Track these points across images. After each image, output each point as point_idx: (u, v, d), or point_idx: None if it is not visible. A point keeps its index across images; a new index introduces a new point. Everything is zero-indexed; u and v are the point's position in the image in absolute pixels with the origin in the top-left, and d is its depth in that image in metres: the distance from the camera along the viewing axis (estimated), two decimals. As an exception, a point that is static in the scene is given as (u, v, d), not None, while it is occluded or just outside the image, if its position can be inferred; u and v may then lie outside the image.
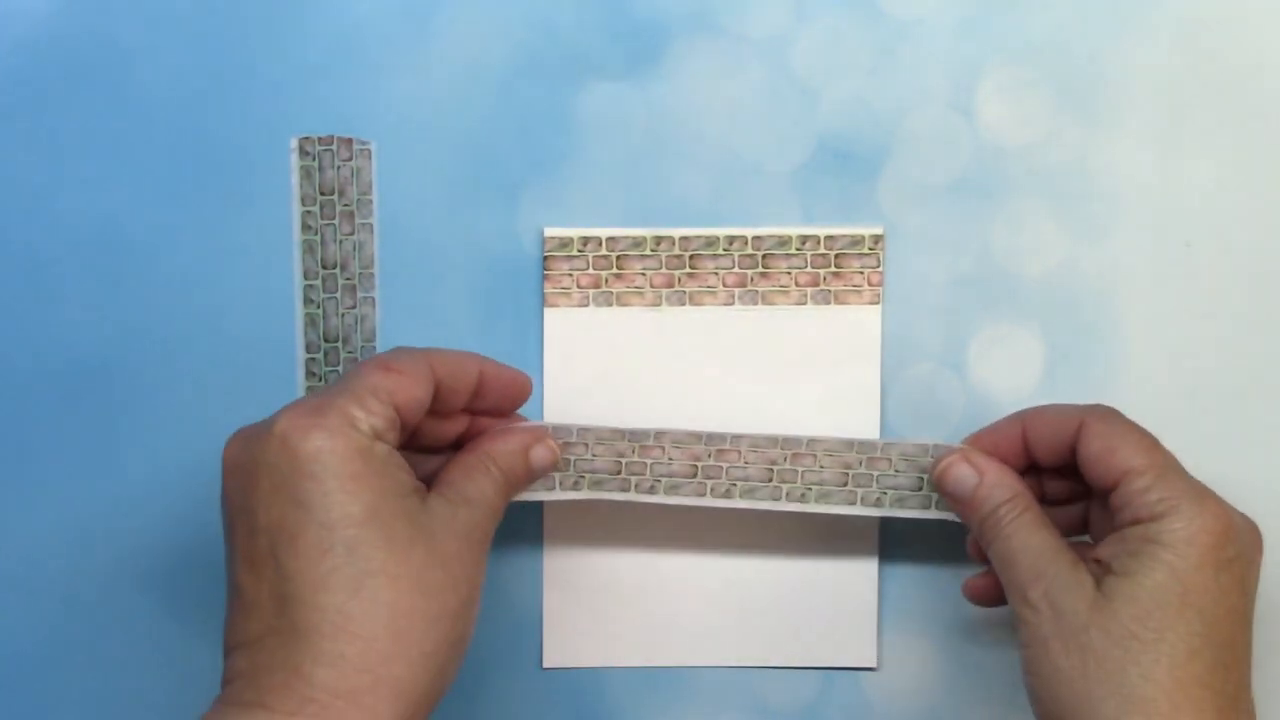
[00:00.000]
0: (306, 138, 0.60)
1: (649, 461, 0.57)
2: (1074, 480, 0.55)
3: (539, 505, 0.60)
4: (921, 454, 0.57)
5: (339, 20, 0.59)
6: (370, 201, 0.60)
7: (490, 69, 0.60)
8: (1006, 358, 0.60)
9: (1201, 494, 0.51)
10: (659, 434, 0.57)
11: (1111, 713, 0.49)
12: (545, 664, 0.61)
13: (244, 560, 0.48)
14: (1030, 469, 0.56)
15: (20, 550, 0.60)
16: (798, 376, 0.60)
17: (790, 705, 0.61)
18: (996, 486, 0.54)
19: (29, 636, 0.61)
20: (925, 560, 0.61)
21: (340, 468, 0.47)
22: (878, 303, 0.60)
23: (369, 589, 0.47)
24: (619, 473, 0.57)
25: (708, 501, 0.57)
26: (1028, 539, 0.53)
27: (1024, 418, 0.56)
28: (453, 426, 0.55)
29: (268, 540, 0.47)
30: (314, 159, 0.60)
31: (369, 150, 0.60)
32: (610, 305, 0.60)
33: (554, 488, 0.57)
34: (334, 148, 0.60)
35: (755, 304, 0.60)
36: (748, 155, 0.60)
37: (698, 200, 0.60)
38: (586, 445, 0.57)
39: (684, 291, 0.60)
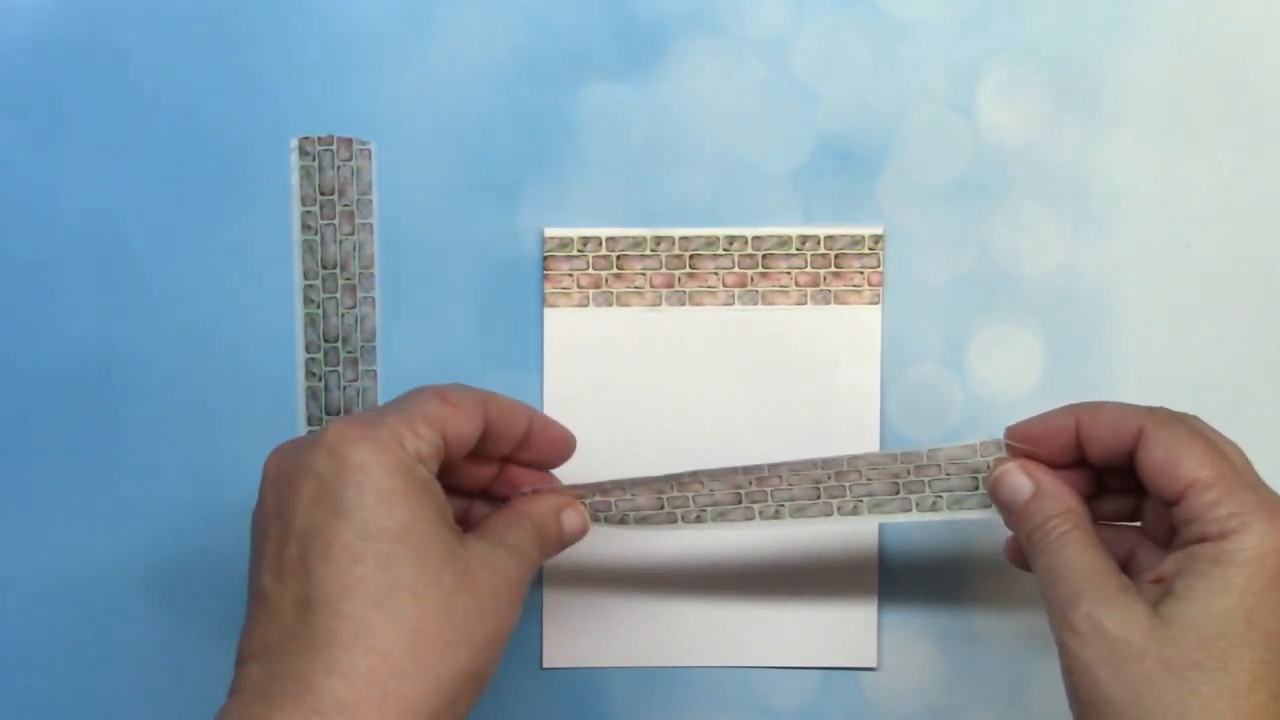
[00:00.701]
0: (306, 138, 0.60)
1: (690, 495, 0.55)
2: (1127, 477, 0.52)
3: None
4: (970, 455, 0.54)
5: (339, 20, 0.59)
6: (370, 201, 0.60)
7: (490, 69, 0.60)
8: (1006, 358, 0.60)
9: (1273, 509, 0.48)
10: (694, 475, 0.55)
11: None
12: (545, 664, 0.61)
13: (272, 566, 0.48)
14: (1081, 470, 0.54)
15: (20, 553, 0.60)
16: (797, 376, 0.60)
17: (790, 705, 0.61)
18: (1050, 499, 0.52)
19: (29, 638, 0.61)
20: (926, 560, 0.61)
21: (383, 481, 0.47)
22: (878, 303, 0.60)
23: (392, 602, 0.46)
24: (662, 508, 0.55)
25: (757, 526, 0.55)
26: (1076, 554, 0.50)
27: (1078, 413, 0.53)
28: (485, 471, 0.54)
29: (300, 546, 0.47)
30: (314, 159, 0.60)
31: (369, 150, 0.60)
32: (610, 305, 0.60)
33: (600, 522, 0.55)
34: (334, 148, 0.60)
35: (755, 304, 0.60)
36: (748, 155, 0.60)
37: (698, 200, 0.60)
38: (624, 489, 0.55)
39: (684, 292, 0.60)
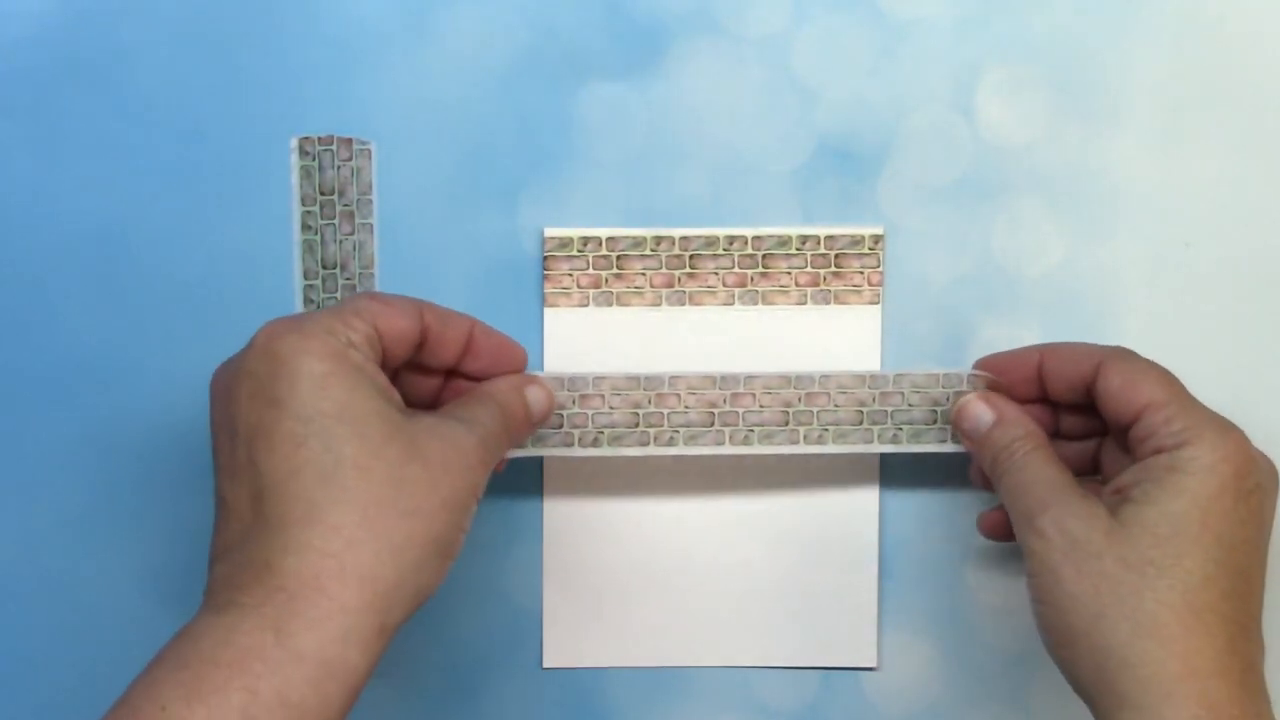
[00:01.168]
0: (306, 138, 0.60)
1: (666, 411, 0.57)
2: (1085, 418, 0.56)
3: (539, 504, 0.60)
4: (932, 384, 0.57)
5: (339, 20, 0.59)
6: (370, 201, 0.60)
7: (490, 69, 0.60)
8: (1006, 358, 0.60)
9: (1224, 425, 0.52)
10: (674, 379, 0.57)
11: (1124, 636, 0.49)
12: (545, 664, 0.61)
13: (225, 472, 0.49)
14: (1042, 405, 0.57)
15: (20, 550, 0.60)
16: (798, 376, 0.60)
17: (790, 706, 0.61)
18: (1012, 424, 0.55)
19: (29, 636, 0.61)
20: (925, 559, 0.61)
21: (313, 367, 0.48)
22: (878, 303, 0.60)
23: (339, 478, 0.47)
24: (637, 425, 0.57)
25: (727, 449, 0.57)
26: (1039, 471, 0.53)
27: (1043, 349, 0.57)
28: (430, 383, 0.55)
29: (246, 445, 0.48)
30: (314, 159, 0.60)
31: (369, 150, 0.60)
32: (610, 305, 0.60)
33: (573, 444, 0.57)
34: (334, 148, 0.60)
35: (755, 304, 0.60)
36: (748, 155, 0.60)
37: (698, 200, 0.60)
38: (603, 397, 0.57)
39: (684, 291, 0.60)
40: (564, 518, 0.60)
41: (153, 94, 0.59)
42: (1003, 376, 0.57)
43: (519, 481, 0.60)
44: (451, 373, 0.55)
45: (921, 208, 0.60)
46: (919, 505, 0.60)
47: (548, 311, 0.60)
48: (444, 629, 0.61)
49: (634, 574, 0.61)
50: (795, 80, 0.60)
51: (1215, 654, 0.49)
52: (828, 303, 0.60)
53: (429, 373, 0.55)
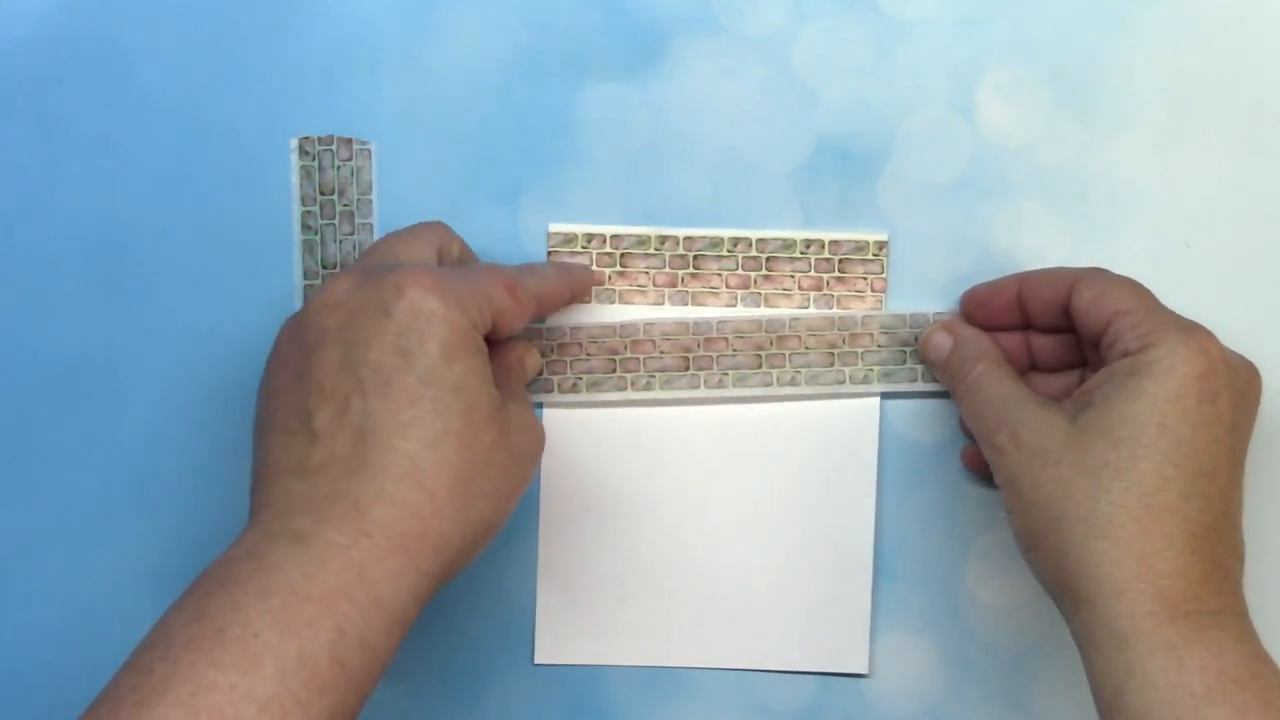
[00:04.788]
0: (306, 138, 0.60)
1: (641, 357, 0.59)
2: (1066, 344, 0.57)
3: (535, 498, 0.60)
4: (900, 325, 0.59)
5: (339, 20, 0.59)
6: (370, 201, 0.60)
7: (490, 69, 0.60)
8: (1006, 357, 0.60)
9: (1190, 328, 0.51)
10: (648, 325, 0.59)
11: (1080, 537, 0.50)
12: (536, 660, 0.61)
13: (323, 390, 0.49)
14: (1025, 333, 0.58)
15: (20, 550, 0.60)
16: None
17: (788, 706, 0.61)
18: (965, 345, 0.56)
19: (29, 636, 0.61)
20: (924, 559, 0.61)
21: (448, 336, 0.49)
22: (881, 308, 0.60)
23: (442, 447, 0.49)
24: (614, 371, 0.59)
25: (702, 394, 0.59)
26: (992, 390, 0.54)
27: (1020, 277, 0.57)
28: None
29: (357, 379, 0.49)
30: (314, 159, 0.60)
31: (369, 150, 0.60)
32: (613, 304, 0.60)
33: (553, 390, 0.59)
34: (334, 148, 0.60)
35: (758, 306, 0.60)
36: (748, 155, 0.60)
37: (697, 201, 0.60)
38: (580, 345, 0.59)
39: (687, 292, 0.60)
40: (560, 515, 0.60)
41: (153, 94, 0.59)
42: (984, 306, 0.58)
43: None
44: None
45: (922, 208, 0.60)
46: (918, 504, 0.60)
47: (549, 311, 0.60)
48: (437, 624, 0.61)
49: (629, 573, 0.61)
50: (795, 80, 0.60)
51: (1174, 554, 0.49)
52: (830, 307, 0.60)
53: None
